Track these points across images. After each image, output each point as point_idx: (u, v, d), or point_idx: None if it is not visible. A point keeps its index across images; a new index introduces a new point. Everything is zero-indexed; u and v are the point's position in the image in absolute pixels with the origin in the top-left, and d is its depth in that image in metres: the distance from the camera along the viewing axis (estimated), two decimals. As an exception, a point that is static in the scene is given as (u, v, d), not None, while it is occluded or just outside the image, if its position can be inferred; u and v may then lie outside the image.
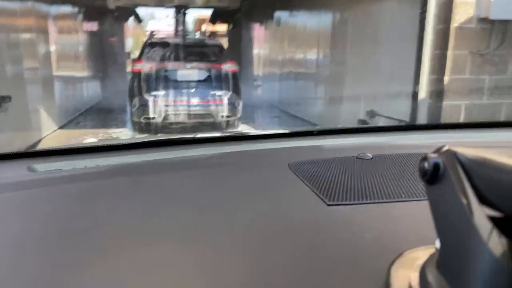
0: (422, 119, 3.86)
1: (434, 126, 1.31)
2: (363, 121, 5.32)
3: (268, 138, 0.91)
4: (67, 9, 7.58)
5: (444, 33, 3.52)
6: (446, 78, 3.47)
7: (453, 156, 0.28)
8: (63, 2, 7.24)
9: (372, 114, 5.19)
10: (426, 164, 0.29)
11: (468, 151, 0.28)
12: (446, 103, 3.49)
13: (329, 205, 0.51)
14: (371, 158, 0.70)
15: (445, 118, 3.54)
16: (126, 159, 0.77)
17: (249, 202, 0.55)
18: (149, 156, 0.81)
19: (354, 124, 5.58)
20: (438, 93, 3.59)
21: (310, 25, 7.51)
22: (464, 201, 0.26)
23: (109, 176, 0.69)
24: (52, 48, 6.54)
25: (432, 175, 0.28)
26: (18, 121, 5.12)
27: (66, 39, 7.39)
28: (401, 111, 4.53)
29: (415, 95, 3.80)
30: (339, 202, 0.51)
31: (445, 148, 0.29)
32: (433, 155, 0.29)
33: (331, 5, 6.53)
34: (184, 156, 0.83)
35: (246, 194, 0.59)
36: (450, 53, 3.47)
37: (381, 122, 5.25)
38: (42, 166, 0.71)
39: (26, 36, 5.53)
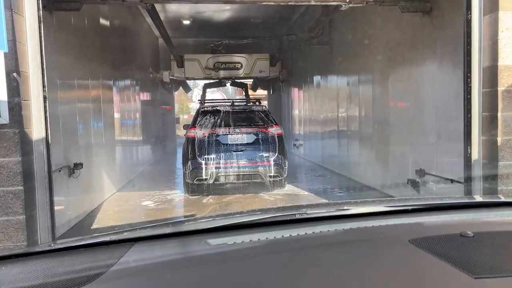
0: (477, 178, 3.87)
1: None
2: (413, 181, 5.35)
3: (371, 216, 1.08)
4: (127, 82, 8.45)
5: (491, 96, 3.66)
6: (499, 139, 3.55)
7: None
8: (124, 76, 8.10)
9: (422, 173, 5.22)
10: None
11: None
12: (502, 163, 3.52)
13: (476, 278, 0.66)
14: (472, 236, 0.85)
15: (502, 178, 3.55)
16: (269, 235, 0.97)
17: (385, 280, 0.69)
18: (269, 234, 0.98)
19: (403, 182, 5.59)
20: (492, 153, 3.64)
21: (352, 87, 7.85)
22: None
23: (271, 251, 0.88)
24: (116, 115, 7.25)
25: None
26: (86, 185, 5.58)
27: (126, 107, 8.15)
28: (452, 171, 4.55)
29: (467, 155, 3.86)
30: (488, 276, 0.66)
31: None
32: None
33: (373, 68, 6.87)
34: (303, 234, 0.99)
35: (379, 272, 0.74)
36: (500, 115, 3.58)
37: (431, 182, 5.25)
38: (214, 241, 0.92)
39: (95, 105, 6.20)
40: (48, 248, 0.98)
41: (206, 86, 13.47)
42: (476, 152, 3.78)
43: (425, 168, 5.23)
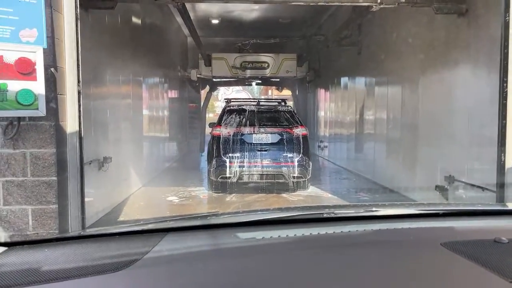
0: (511, 186, 3.73)
1: None
2: (442, 187, 5.20)
3: (400, 218, 1.07)
4: (156, 79, 8.63)
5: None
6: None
7: None
8: (154, 74, 8.28)
9: (451, 180, 5.07)
10: None
11: None
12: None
13: (511, 282, 0.65)
14: (507, 243, 0.83)
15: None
16: (297, 232, 0.98)
17: (419, 280, 0.68)
18: (297, 231, 0.99)
19: (431, 188, 5.45)
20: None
21: (380, 89, 7.72)
22: None
23: (299, 247, 0.90)
24: (144, 112, 7.42)
25: None
26: (114, 179, 5.74)
27: (154, 104, 8.33)
28: (483, 179, 4.40)
29: (500, 162, 3.72)
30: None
31: None
32: None
33: (402, 71, 6.73)
34: (329, 233, 0.99)
35: (412, 272, 0.73)
36: (538, 121, 3.44)
37: (460, 189, 5.09)
38: (244, 235, 0.94)
39: (125, 102, 6.38)
40: (85, 234, 1.02)
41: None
42: (510, 160, 3.64)
43: (454, 175, 5.08)
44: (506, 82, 3.64)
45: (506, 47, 3.59)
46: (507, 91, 3.62)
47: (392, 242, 0.91)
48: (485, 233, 0.92)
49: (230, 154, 6.55)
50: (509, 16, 3.57)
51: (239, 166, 6.53)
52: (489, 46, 4.29)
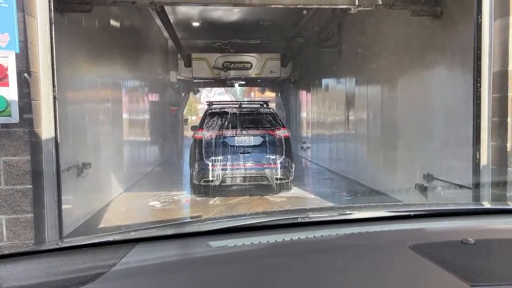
0: (485, 184, 3.82)
1: None
2: (421, 186, 5.30)
3: (371, 221, 1.07)
4: (136, 82, 8.52)
5: (501, 101, 3.61)
6: (508, 145, 3.50)
7: None
8: (133, 77, 8.17)
9: (430, 178, 5.17)
10: None
11: None
12: (511, 169, 3.47)
13: (472, 286, 0.65)
14: (474, 244, 0.84)
15: (511, 185, 3.50)
16: (270, 238, 0.97)
17: (380, 285, 0.68)
18: (270, 238, 0.99)
19: (411, 186, 5.55)
20: (501, 159, 3.59)
21: (360, 90, 7.82)
22: None
23: (271, 254, 0.89)
24: (124, 116, 7.31)
25: None
26: (94, 185, 5.63)
27: (134, 108, 8.21)
28: (461, 177, 4.50)
29: (476, 160, 3.81)
30: (485, 284, 0.65)
31: None
32: None
33: (381, 72, 6.84)
34: (303, 238, 0.99)
35: (375, 277, 0.74)
36: (509, 120, 3.53)
37: (439, 187, 5.19)
38: (215, 243, 0.93)
39: (104, 106, 6.27)
40: (52, 247, 0.99)
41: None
42: (485, 158, 3.73)
43: (433, 173, 5.18)
44: (480, 82, 3.72)
45: (478, 48, 3.68)
46: (480, 91, 3.71)
47: (362, 246, 0.91)
48: (454, 234, 0.94)
49: (213, 157, 6.52)
50: (481, 18, 3.67)
51: (222, 169, 6.51)
52: (463, 47, 4.39)
